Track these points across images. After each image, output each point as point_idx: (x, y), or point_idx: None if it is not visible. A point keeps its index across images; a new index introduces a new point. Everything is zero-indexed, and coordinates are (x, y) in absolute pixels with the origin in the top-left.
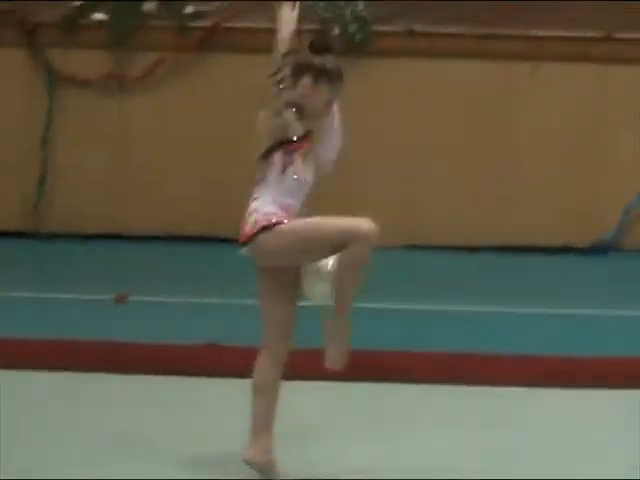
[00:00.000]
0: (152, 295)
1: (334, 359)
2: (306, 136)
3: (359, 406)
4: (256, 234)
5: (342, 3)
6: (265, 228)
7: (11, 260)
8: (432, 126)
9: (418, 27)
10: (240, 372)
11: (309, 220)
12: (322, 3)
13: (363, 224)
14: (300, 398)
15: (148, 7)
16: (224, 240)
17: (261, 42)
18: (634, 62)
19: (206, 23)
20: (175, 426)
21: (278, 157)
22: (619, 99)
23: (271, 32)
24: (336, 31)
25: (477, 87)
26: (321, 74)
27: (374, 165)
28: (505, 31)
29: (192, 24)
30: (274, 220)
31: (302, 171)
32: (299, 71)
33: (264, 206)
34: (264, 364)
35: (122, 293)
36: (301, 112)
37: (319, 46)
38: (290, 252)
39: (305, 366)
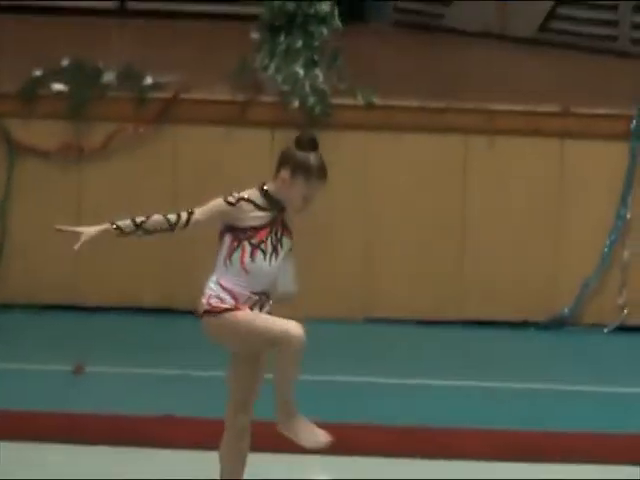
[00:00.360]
0: (109, 366)
1: (309, 438)
2: (266, 227)
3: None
4: (202, 316)
5: (301, 75)
6: (209, 312)
7: None
8: (387, 200)
9: (377, 100)
10: (195, 444)
11: (247, 315)
12: (280, 75)
13: (291, 329)
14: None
15: (107, 78)
16: (182, 312)
17: (221, 113)
18: (591, 137)
19: (165, 94)
20: None
21: (228, 240)
22: (575, 175)
23: (230, 103)
24: (295, 104)
25: (433, 161)
26: (301, 169)
27: (329, 237)
28: (463, 105)
29: (151, 95)
30: (217, 306)
31: (251, 261)
32: (280, 163)
33: (212, 288)
34: (225, 435)
35: (79, 364)
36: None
37: (304, 142)
38: (231, 339)
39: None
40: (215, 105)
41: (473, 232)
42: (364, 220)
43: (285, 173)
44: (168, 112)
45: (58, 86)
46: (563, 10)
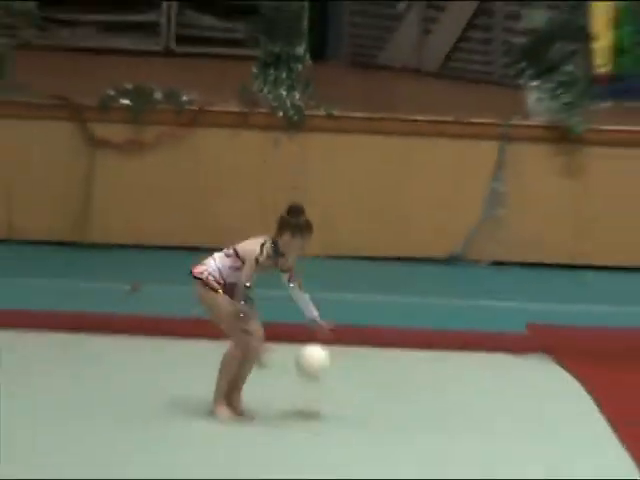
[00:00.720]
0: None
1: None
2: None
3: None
4: (194, 278)
5: (284, 96)
6: (202, 281)
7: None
8: (341, 180)
9: (336, 112)
10: None
11: (228, 306)
12: (271, 95)
13: (251, 343)
14: None
15: (157, 96)
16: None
17: (231, 120)
18: (475, 137)
19: (194, 107)
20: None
21: (240, 263)
22: (465, 160)
23: (237, 113)
24: (280, 114)
25: (373, 154)
26: (297, 231)
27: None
28: (392, 115)
29: (185, 108)
30: (211, 284)
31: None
32: (280, 228)
33: (213, 268)
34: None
35: (136, 283)
36: (279, 254)
37: (294, 210)
38: (209, 312)
39: None
40: (227, 114)
41: (403, 194)
42: (324, 196)
43: (287, 236)
44: (196, 119)
45: (125, 101)
46: (457, 53)
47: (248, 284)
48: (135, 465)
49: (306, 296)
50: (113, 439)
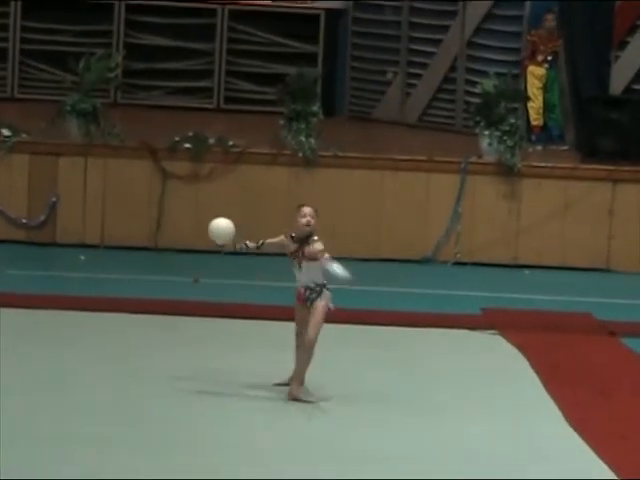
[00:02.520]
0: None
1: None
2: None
3: None
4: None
5: (304, 141)
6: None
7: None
8: (341, 200)
9: (340, 153)
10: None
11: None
12: (293, 141)
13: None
14: None
15: (211, 141)
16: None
17: (265, 159)
18: (444, 172)
19: (238, 149)
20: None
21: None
22: (438, 186)
23: (269, 154)
24: (300, 154)
25: (365, 183)
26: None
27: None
28: (380, 155)
29: (232, 149)
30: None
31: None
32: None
33: None
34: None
35: (196, 277)
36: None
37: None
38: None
39: None
40: (262, 155)
41: (388, 211)
42: (331, 212)
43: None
44: (240, 158)
45: (187, 145)
46: (430, 110)
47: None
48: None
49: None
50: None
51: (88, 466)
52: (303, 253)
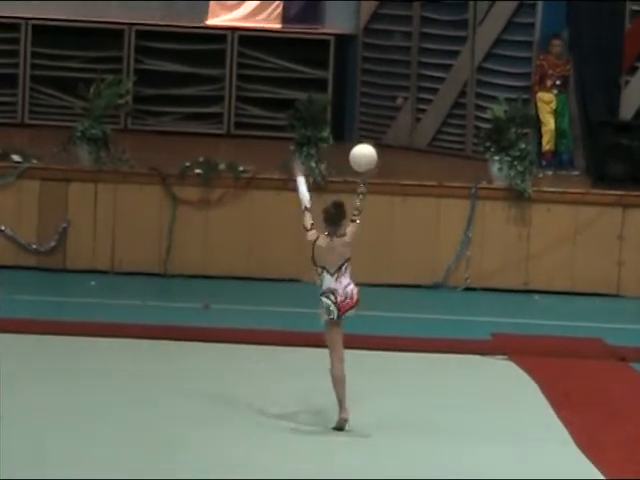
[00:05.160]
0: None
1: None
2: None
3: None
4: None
5: (314, 166)
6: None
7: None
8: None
9: (350, 178)
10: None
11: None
12: (304, 167)
13: (332, 366)
14: None
15: (221, 167)
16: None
17: (274, 184)
18: (454, 197)
19: (248, 175)
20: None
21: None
22: (448, 213)
23: (279, 180)
24: (311, 179)
25: (374, 206)
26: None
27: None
28: (390, 181)
29: (242, 175)
30: None
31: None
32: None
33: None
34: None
35: (206, 303)
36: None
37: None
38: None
39: None
40: (272, 180)
41: (399, 237)
42: None
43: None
44: (250, 183)
45: (197, 170)
46: (440, 136)
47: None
48: None
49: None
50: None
51: None
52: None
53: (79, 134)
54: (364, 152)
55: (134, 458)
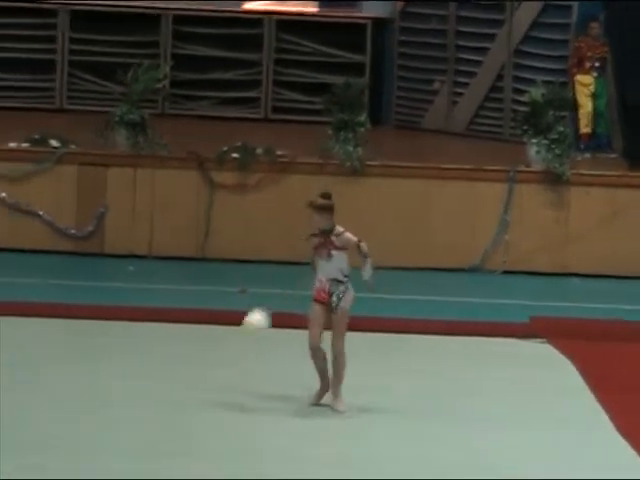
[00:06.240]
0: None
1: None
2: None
3: None
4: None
5: (351, 151)
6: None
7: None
8: (383, 205)
9: (387, 162)
10: None
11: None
12: (341, 150)
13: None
14: None
15: (258, 151)
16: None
17: (311, 169)
18: (490, 180)
19: (285, 159)
20: None
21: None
22: (488, 195)
23: (315, 164)
24: (347, 164)
25: (409, 191)
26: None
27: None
28: (427, 164)
29: (279, 160)
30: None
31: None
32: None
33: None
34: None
35: (243, 288)
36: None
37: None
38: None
39: None
40: (309, 165)
41: (436, 220)
42: (378, 221)
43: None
44: (286, 168)
45: (235, 155)
46: (477, 119)
47: None
48: None
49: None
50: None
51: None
52: (332, 243)
53: (117, 119)
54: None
55: (163, 442)
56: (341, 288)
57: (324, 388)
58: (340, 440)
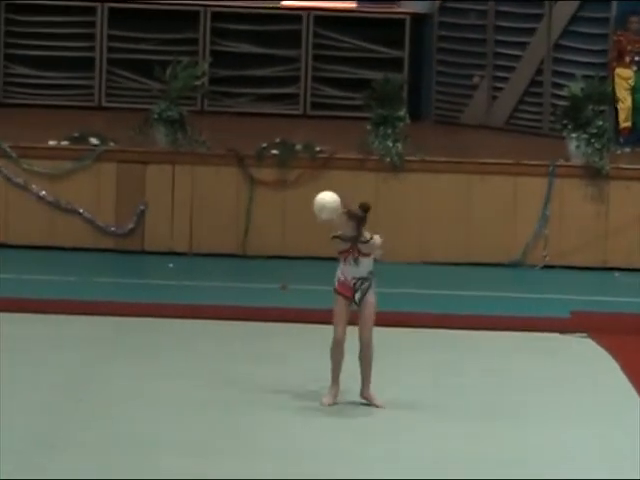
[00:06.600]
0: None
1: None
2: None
3: None
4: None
5: (390, 146)
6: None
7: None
8: (427, 196)
9: (427, 157)
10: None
11: (335, 303)
12: (380, 146)
13: (334, 333)
14: None
15: (297, 147)
16: None
17: (352, 164)
18: (531, 175)
19: (325, 155)
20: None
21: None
22: (527, 190)
23: (356, 160)
24: (387, 160)
25: (449, 186)
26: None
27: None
28: (465, 159)
29: (318, 155)
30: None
31: (343, 267)
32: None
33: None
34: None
35: (284, 284)
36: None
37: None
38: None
39: None
40: (349, 160)
41: (476, 215)
42: (419, 217)
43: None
44: (326, 164)
45: (274, 151)
46: (516, 114)
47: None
48: None
49: None
50: None
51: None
52: (359, 251)
53: (156, 116)
54: (326, 199)
55: (205, 441)
56: (366, 284)
57: (337, 386)
58: (389, 437)
